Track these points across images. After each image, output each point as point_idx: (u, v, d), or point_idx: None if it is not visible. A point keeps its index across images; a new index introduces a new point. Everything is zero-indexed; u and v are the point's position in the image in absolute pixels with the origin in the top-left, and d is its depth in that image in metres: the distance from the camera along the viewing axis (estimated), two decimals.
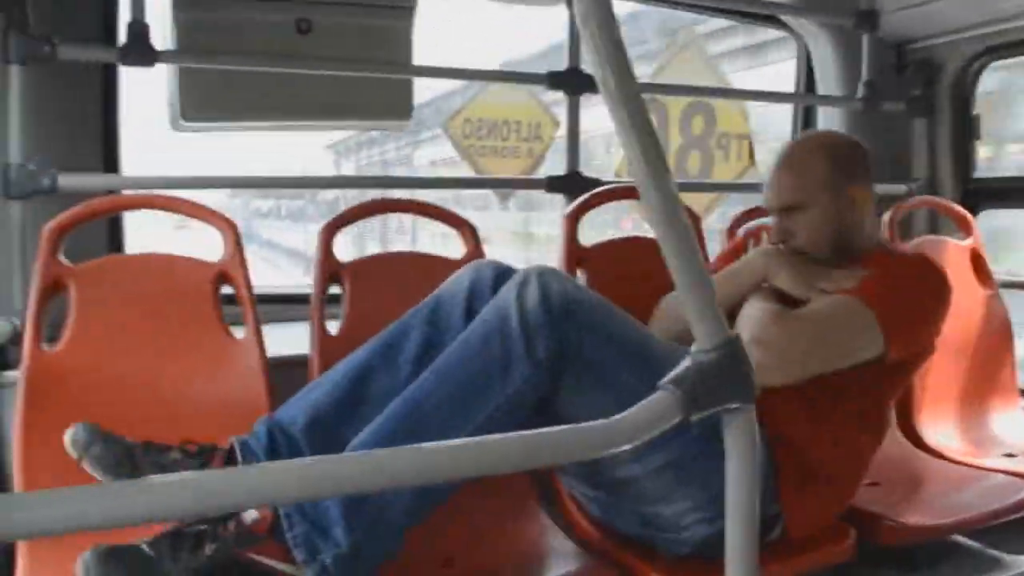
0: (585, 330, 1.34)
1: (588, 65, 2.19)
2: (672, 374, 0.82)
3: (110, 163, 2.00)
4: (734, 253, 1.89)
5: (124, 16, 1.91)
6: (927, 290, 1.59)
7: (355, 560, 1.25)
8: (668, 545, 1.46)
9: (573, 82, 2.21)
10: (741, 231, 2.11)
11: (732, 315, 1.57)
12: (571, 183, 2.22)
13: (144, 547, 1.18)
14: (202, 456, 1.30)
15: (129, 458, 1.24)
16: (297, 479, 0.67)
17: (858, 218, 1.67)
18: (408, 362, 1.43)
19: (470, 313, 1.45)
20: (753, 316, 1.52)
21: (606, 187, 2.06)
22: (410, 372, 1.41)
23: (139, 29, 1.84)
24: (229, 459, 1.32)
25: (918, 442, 2.09)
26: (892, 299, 1.52)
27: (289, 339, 1.76)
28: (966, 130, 2.74)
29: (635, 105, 0.77)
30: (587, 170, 2.28)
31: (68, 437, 1.24)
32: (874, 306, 1.49)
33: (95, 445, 1.24)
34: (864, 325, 1.49)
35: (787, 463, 1.50)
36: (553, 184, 2.23)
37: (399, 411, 1.31)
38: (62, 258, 1.55)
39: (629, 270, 1.85)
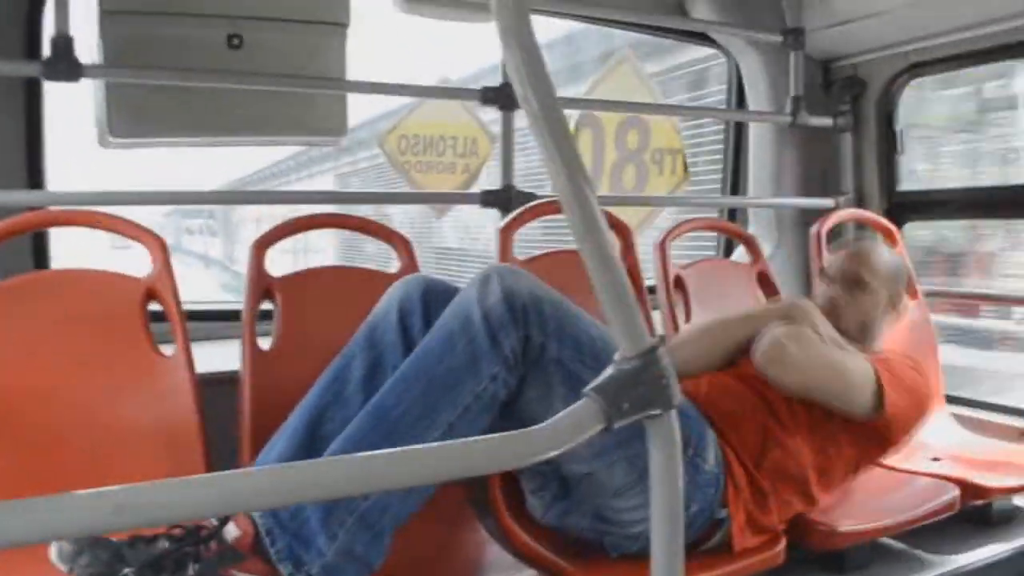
0: (550, 329, 1.35)
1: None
2: (595, 382, 0.83)
3: (35, 179, 1.96)
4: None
5: (48, 30, 1.88)
6: (918, 383, 1.77)
7: (342, 568, 1.25)
8: (618, 542, 1.48)
9: (506, 98, 2.22)
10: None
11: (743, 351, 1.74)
12: (505, 197, 2.23)
13: (127, 571, 1.15)
14: (191, 537, 1.23)
15: (118, 559, 1.18)
16: (268, 485, 0.67)
17: (887, 323, 1.95)
18: (358, 391, 1.42)
19: (404, 329, 1.45)
20: (794, 327, 1.70)
21: (540, 201, 2.08)
22: (362, 400, 1.39)
23: (64, 43, 1.80)
24: (219, 533, 1.27)
25: None
26: (892, 374, 1.70)
27: (221, 356, 1.73)
28: (890, 144, 2.82)
29: (556, 121, 0.78)
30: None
31: (53, 552, 1.16)
32: (880, 372, 1.66)
33: (82, 555, 1.16)
34: (870, 377, 1.65)
35: (740, 473, 1.53)
36: (487, 198, 2.24)
37: (368, 420, 1.30)
38: None
39: (563, 282, 1.86)
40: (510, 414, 1.34)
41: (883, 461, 2.08)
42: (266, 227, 1.74)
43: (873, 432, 1.67)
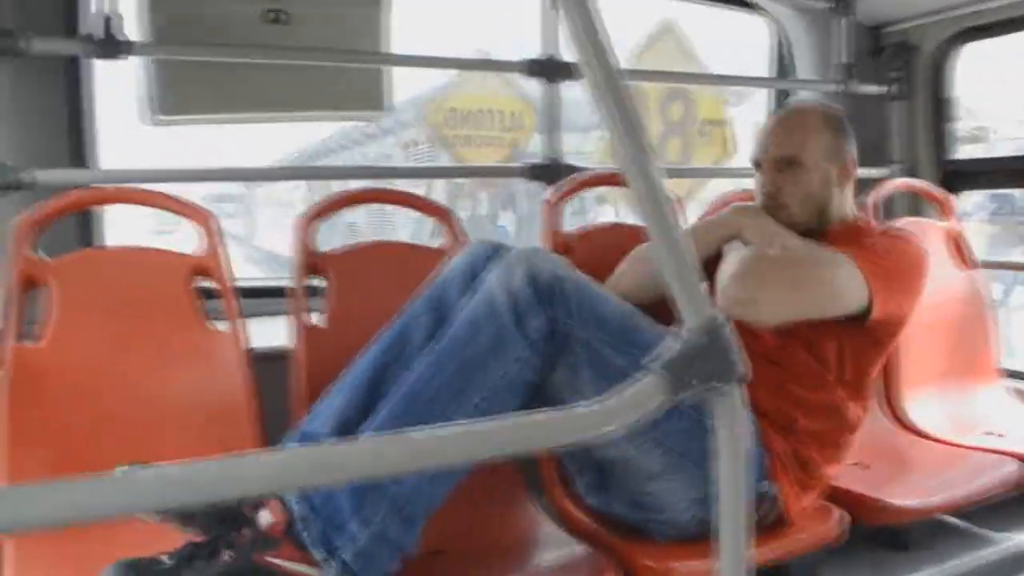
0: (574, 310, 1.34)
1: (565, 52, 2.19)
2: (659, 355, 0.81)
3: (81, 158, 1.97)
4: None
5: (92, 7, 1.88)
6: (905, 258, 1.62)
7: (375, 553, 1.24)
8: (660, 528, 1.46)
9: (550, 69, 2.19)
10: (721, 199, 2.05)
11: (706, 269, 1.52)
12: (551, 170, 2.20)
13: (164, 559, 1.16)
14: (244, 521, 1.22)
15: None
16: (290, 467, 0.66)
17: (845, 191, 1.73)
18: (419, 351, 1.42)
19: (470, 290, 1.44)
20: (735, 257, 1.54)
21: (586, 173, 2.05)
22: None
23: (108, 21, 1.80)
24: (253, 520, 1.25)
25: (903, 422, 2.10)
26: (874, 261, 1.55)
27: (272, 333, 1.73)
28: (943, 112, 2.75)
29: (618, 90, 0.77)
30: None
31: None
32: (859, 263, 1.52)
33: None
34: (850, 274, 1.51)
35: (777, 441, 1.50)
36: (533, 172, 2.22)
37: (399, 403, 1.31)
38: (39, 253, 1.52)
39: (610, 257, 1.83)
40: (541, 397, 1.34)
41: (939, 436, 2.05)
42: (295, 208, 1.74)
43: (873, 328, 1.56)
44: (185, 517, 1.18)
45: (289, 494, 1.25)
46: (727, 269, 1.53)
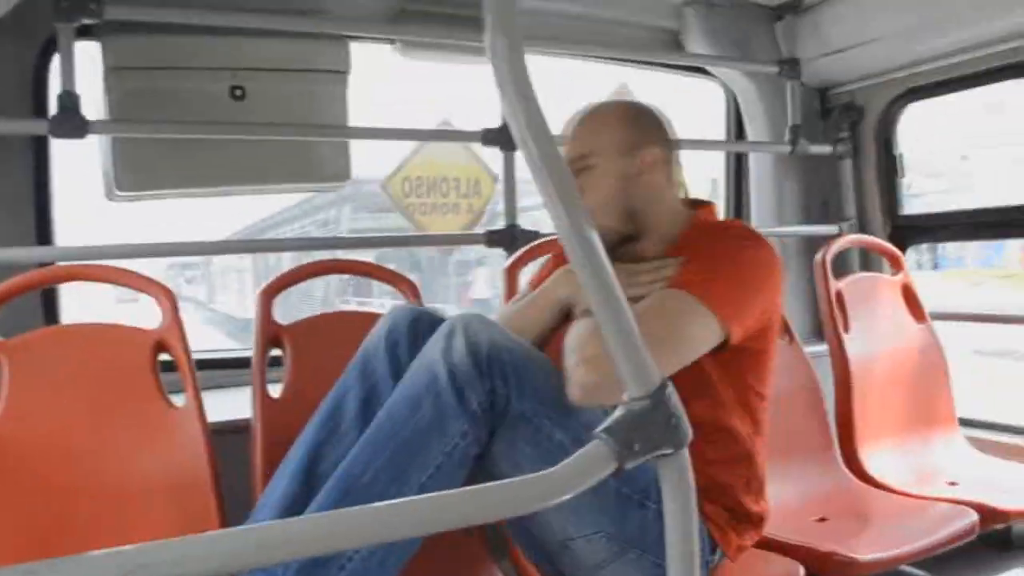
0: (512, 383, 1.30)
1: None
2: (605, 423, 0.83)
3: (44, 236, 1.98)
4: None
5: (55, 87, 1.91)
6: (748, 262, 1.46)
7: None
8: None
9: (506, 138, 2.24)
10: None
11: (542, 346, 1.47)
12: (510, 237, 2.24)
13: None
14: None
15: None
16: (232, 547, 0.67)
17: (655, 186, 1.55)
18: (352, 428, 1.40)
19: (393, 360, 1.42)
20: (571, 335, 1.34)
21: (544, 239, 2.09)
22: (357, 435, 1.36)
23: (69, 100, 1.83)
24: None
25: (862, 475, 2.12)
26: (713, 281, 1.40)
27: (231, 404, 1.74)
28: (890, 169, 2.84)
29: (555, 163, 0.79)
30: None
31: None
32: (697, 292, 1.37)
33: None
34: (693, 312, 1.36)
35: (710, 507, 1.49)
36: (492, 238, 2.26)
37: (336, 488, 1.27)
38: None
39: None
40: (483, 470, 1.30)
41: (898, 487, 2.07)
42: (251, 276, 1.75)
43: (739, 351, 1.45)
44: None
45: None
46: (568, 347, 1.33)
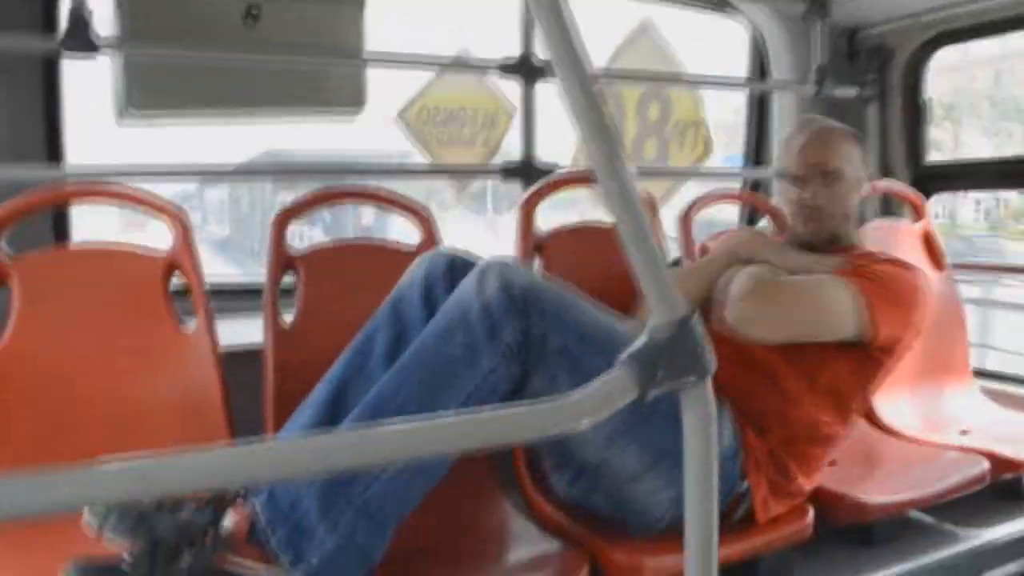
0: (550, 319, 1.33)
1: (541, 52, 2.19)
2: (628, 350, 0.81)
3: (54, 155, 1.95)
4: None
5: (65, 4, 1.86)
6: (908, 283, 1.64)
7: (342, 558, 1.22)
8: (640, 524, 1.46)
9: (526, 69, 2.19)
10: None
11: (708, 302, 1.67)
12: (526, 170, 2.21)
13: (124, 559, 1.14)
14: (213, 504, 1.21)
15: (144, 520, 1.15)
16: (295, 454, 0.66)
17: (857, 204, 1.80)
18: (380, 365, 1.41)
19: (428, 304, 1.44)
20: (743, 275, 1.58)
21: (561, 173, 2.05)
22: (383, 373, 1.37)
23: (80, 17, 1.78)
24: (218, 520, 1.25)
25: (875, 421, 2.11)
26: (875, 284, 1.58)
27: (243, 332, 1.73)
28: (917, 115, 2.77)
29: (589, 92, 0.77)
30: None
31: (86, 510, 1.14)
32: (862, 290, 1.56)
33: (111, 515, 1.14)
34: (852, 301, 1.54)
35: (756, 443, 1.51)
36: (508, 172, 2.22)
37: (365, 413, 1.28)
38: (3, 248, 1.50)
39: (584, 256, 1.84)
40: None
41: (909, 435, 2.07)
42: None
43: (869, 353, 1.60)
44: (154, 543, 1.16)
45: (254, 497, 1.24)
46: (734, 287, 1.57)
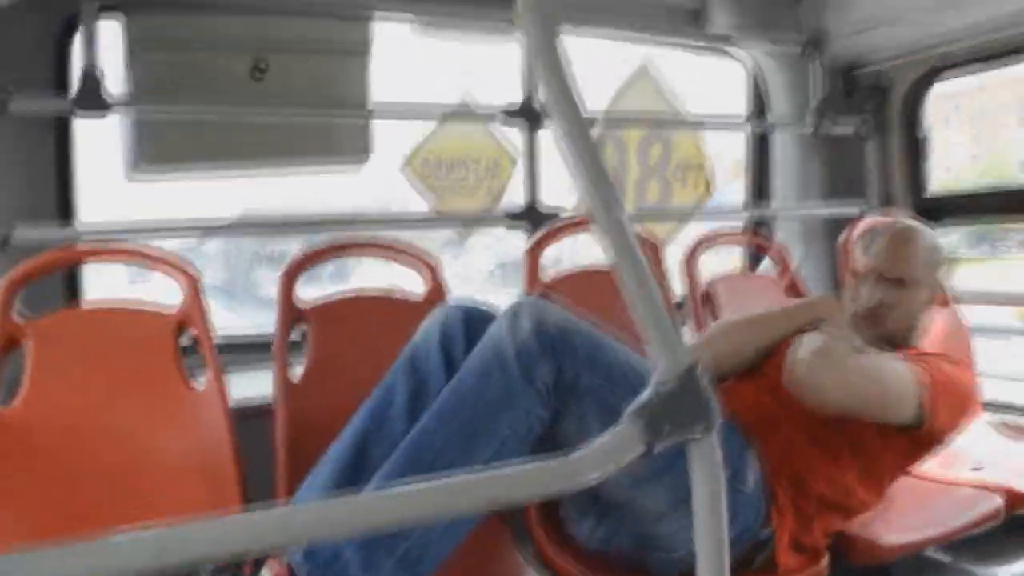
0: (582, 359, 1.34)
1: (543, 97, 2.22)
2: (634, 405, 0.82)
3: (66, 214, 1.98)
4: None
5: (77, 64, 1.90)
6: (965, 384, 1.68)
7: None
8: (662, 563, 1.46)
9: (528, 115, 2.22)
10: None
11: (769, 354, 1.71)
12: (530, 216, 2.23)
13: None
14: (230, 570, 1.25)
15: None
16: (315, 520, 0.66)
17: (928, 314, 1.80)
18: (400, 418, 1.41)
19: (447, 357, 1.44)
20: (821, 335, 1.59)
21: (565, 219, 2.07)
22: (405, 426, 1.38)
23: (92, 77, 1.82)
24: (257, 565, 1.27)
25: None
26: (940, 377, 1.60)
27: (252, 386, 1.74)
28: (916, 149, 2.79)
29: (586, 139, 0.78)
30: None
31: None
32: (927, 378, 1.57)
33: None
34: (916, 386, 1.55)
35: (783, 493, 1.51)
36: (513, 218, 2.24)
37: (404, 457, 1.29)
38: (16, 314, 1.52)
39: (592, 301, 1.84)
40: (547, 448, 1.30)
41: (922, 472, 2.06)
42: None
43: (918, 439, 1.62)
44: None
45: (293, 554, 1.24)
46: (809, 340, 1.56)
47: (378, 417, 1.43)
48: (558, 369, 1.32)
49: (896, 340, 1.75)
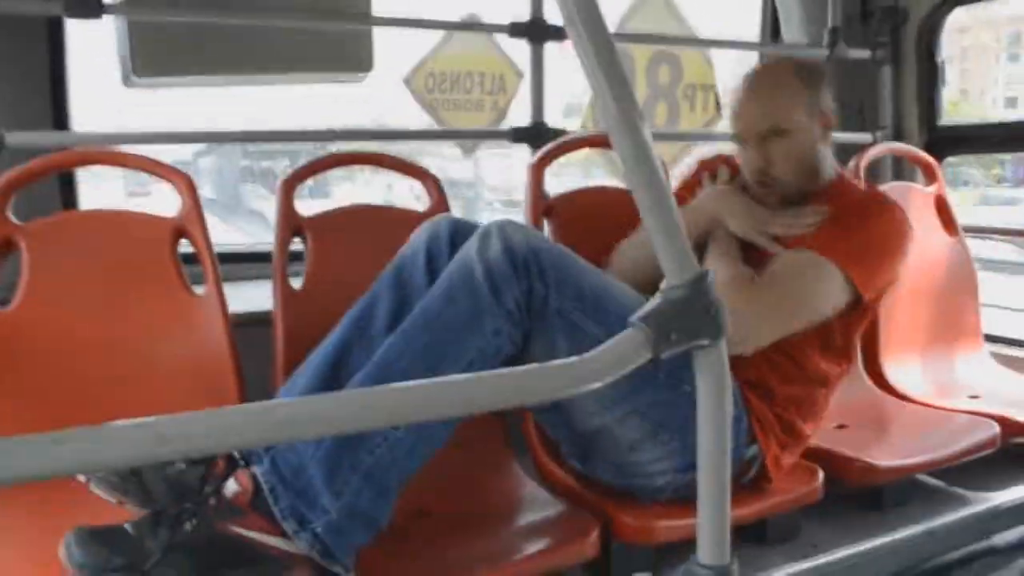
0: (551, 281, 1.32)
1: (550, 14, 2.16)
2: (642, 311, 0.81)
3: (60, 120, 1.94)
4: (688, 189, 1.80)
5: None
6: (884, 228, 1.57)
7: (347, 526, 1.22)
8: (645, 492, 1.46)
9: (536, 31, 2.17)
10: (694, 162, 1.96)
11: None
12: (536, 133, 2.19)
13: (126, 527, 1.15)
14: (205, 462, 1.22)
15: (133, 472, 1.16)
16: (264, 421, 0.66)
17: (827, 143, 1.65)
18: (381, 332, 1.40)
19: (431, 271, 1.43)
20: (727, 282, 1.49)
21: (571, 136, 2.04)
22: (385, 339, 1.36)
23: None
24: (230, 462, 1.25)
25: (884, 386, 2.11)
26: (850, 243, 1.51)
27: (252, 297, 1.72)
28: (932, 77, 2.74)
29: (606, 51, 0.76)
30: None
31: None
32: (833, 256, 1.49)
33: None
34: (829, 278, 1.49)
35: (759, 404, 1.50)
36: (518, 135, 2.20)
37: (370, 376, 1.28)
38: (11, 217, 1.50)
39: (595, 219, 1.82)
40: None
41: (919, 399, 2.07)
42: None
43: (864, 305, 1.56)
44: (145, 493, 1.16)
45: (256, 464, 1.23)
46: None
47: (360, 328, 1.42)
48: (528, 289, 1.30)
49: (805, 189, 1.62)
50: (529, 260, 1.31)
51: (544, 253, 1.33)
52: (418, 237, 1.49)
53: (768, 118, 1.58)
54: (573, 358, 0.76)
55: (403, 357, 1.28)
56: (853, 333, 1.62)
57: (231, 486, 1.22)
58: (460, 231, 1.45)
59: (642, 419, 1.39)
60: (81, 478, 1.14)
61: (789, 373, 1.54)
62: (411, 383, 0.71)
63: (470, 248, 1.33)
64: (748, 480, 1.52)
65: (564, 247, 1.40)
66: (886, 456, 1.71)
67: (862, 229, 1.54)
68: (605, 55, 0.76)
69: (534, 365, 0.77)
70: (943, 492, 1.79)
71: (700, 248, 1.60)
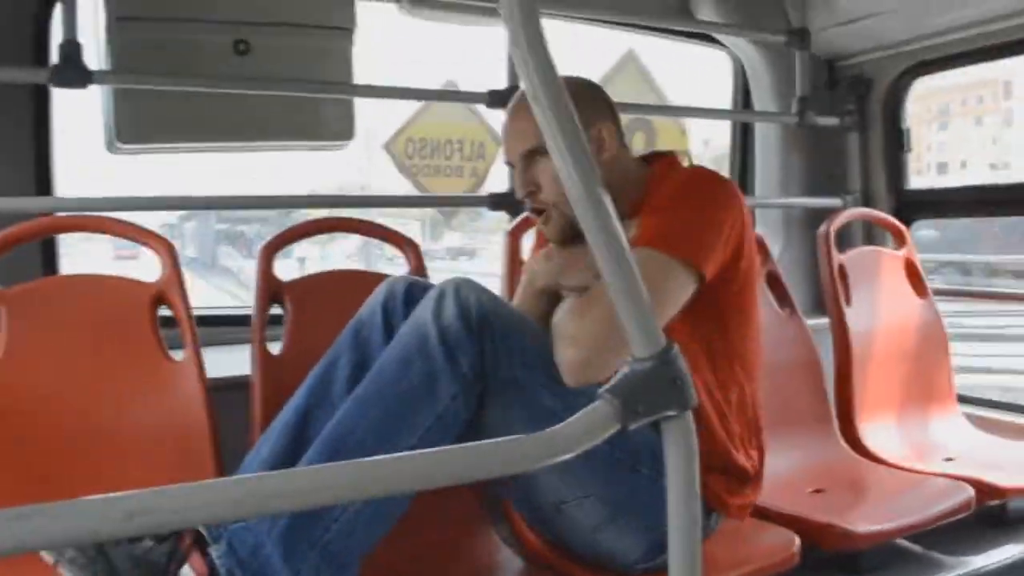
0: (502, 346, 1.29)
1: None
2: (610, 383, 0.82)
3: (43, 186, 1.96)
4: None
5: (56, 36, 1.88)
6: (700, 198, 1.44)
7: None
8: (615, 567, 1.43)
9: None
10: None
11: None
12: (513, 199, 2.22)
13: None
14: (172, 539, 1.21)
15: (102, 555, 1.15)
16: (217, 496, 0.66)
17: (612, 160, 1.50)
18: (342, 394, 1.38)
19: (388, 331, 1.42)
20: (555, 319, 1.37)
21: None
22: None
23: (72, 49, 1.79)
24: (198, 539, 1.24)
25: (860, 449, 2.12)
26: (671, 226, 1.38)
27: (231, 361, 1.73)
28: (897, 143, 2.81)
29: (568, 123, 0.78)
30: None
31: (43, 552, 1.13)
32: (657, 243, 1.35)
33: (68, 548, 1.13)
34: (661, 265, 1.34)
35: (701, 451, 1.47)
36: (496, 201, 2.24)
37: (324, 445, 1.26)
38: None
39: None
40: (474, 436, 1.28)
41: (895, 462, 2.08)
42: None
43: (721, 284, 1.44)
44: (112, 573, 1.15)
45: (214, 545, 1.21)
46: (555, 334, 1.34)
47: (321, 391, 1.41)
48: (481, 354, 1.27)
49: (619, 211, 1.47)
50: (482, 322, 1.28)
51: (495, 317, 1.30)
52: (375, 297, 1.48)
53: (526, 136, 1.47)
54: (540, 432, 0.76)
55: (358, 426, 1.26)
56: (729, 328, 1.50)
57: (186, 573, 1.20)
58: (415, 289, 1.44)
59: (600, 503, 1.36)
60: (49, 559, 1.13)
61: (714, 401, 1.46)
62: (369, 460, 0.71)
63: (425, 310, 1.31)
64: (713, 527, 1.49)
65: (519, 312, 1.39)
66: (863, 521, 1.71)
67: (680, 207, 1.41)
68: (566, 130, 0.78)
69: (499, 439, 0.78)
70: (920, 557, 1.79)
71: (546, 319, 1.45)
